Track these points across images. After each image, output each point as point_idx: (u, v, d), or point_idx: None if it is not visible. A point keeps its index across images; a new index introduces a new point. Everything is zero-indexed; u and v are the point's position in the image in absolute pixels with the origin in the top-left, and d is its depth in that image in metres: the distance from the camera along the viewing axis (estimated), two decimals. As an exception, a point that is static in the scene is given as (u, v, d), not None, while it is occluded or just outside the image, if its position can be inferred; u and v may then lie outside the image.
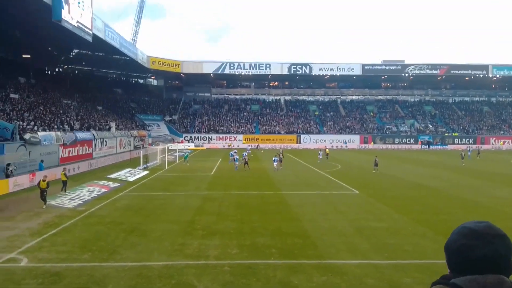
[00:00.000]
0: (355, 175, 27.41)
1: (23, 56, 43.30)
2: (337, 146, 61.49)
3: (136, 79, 73.32)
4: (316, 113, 72.67)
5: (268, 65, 68.40)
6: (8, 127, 24.16)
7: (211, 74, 68.75)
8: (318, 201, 17.84)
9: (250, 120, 69.07)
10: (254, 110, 72.96)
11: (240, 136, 63.54)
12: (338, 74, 70.34)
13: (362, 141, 64.11)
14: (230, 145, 59.06)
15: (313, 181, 24.49)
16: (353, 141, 63.82)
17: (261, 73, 69.08)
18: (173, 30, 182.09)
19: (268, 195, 19.33)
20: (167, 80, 75.34)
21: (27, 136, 24.87)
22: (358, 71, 69.66)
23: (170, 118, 67.02)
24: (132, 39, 62.50)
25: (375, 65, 70.80)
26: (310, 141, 62.78)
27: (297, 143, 63.20)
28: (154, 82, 76.89)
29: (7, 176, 20.57)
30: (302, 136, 64.28)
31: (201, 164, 35.27)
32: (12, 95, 33.86)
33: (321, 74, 70.27)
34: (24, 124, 27.85)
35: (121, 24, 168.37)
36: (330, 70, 69.41)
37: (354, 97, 78.42)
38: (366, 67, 69.71)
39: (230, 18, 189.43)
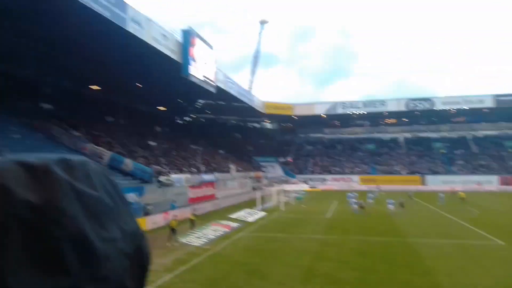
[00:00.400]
0: (498, 223, 23.43)
1: (159, 108, 50.15)
2: (470, 188, 54.12)
3: (252, 124, 77.88)
4: (442, 151, 65.97)
5: (382, 103, 65.65)
6: (147, 170, 27.77)
7: (323, 115, 68.93)
8: (454, 252, 15.61)
9: (366, 160, 66.18)
10: (369, 150, 69.93)
11: (355, 177, 61.09)
12: (465, 108, 63.32)
13: (502, 182, 55.27)
14: (351, 187, 56.66)
15: (446, 229, 21.71)
16: (490, 182, 55.48)
17: (375, 110, 66.52)
18: (285, 75, 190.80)
19: (393, 243, 17.72)
20: (280, 122, 78.08)
21: (162, 178, 28.08)
22: (489, 103, 61.58)
23: (284, 160, 68.51)
24: (249, 87, 67.21)
25: (510, 95, 61.83)
26: (437, 182, 56.68)
27: (421, 184, 57.73)
28: (268, 125, 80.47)
29: (146, 215, 23.26)
30: (427, 177, 58.59)
31: (317, 206, 34.62)
32: (150, 143, 39.10)
33: (445, 109, 64.21)
34: (160, 167, 31.54)
35: (239, 75, 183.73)
36: (456, 104, 62.92)
37: (487, 132, 69.17)
38: (499, 98, 61.25)
39: (339, 59, 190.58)
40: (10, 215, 0.43)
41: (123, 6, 23.06)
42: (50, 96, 33.45)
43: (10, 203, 0.44)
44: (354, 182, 59.64)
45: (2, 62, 27.66)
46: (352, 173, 62.51)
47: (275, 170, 64.17)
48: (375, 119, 73.79)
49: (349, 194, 34.31)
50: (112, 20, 21.98)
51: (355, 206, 29.32)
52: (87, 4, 19.63)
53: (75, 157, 0.52)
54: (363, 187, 54.45)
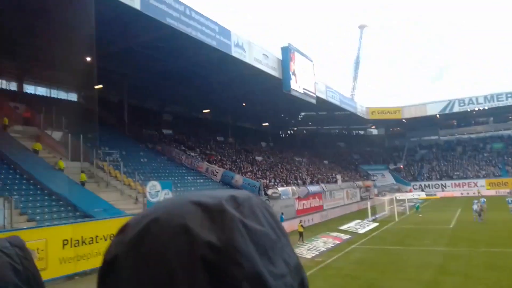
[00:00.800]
0: None
1: (263, 124, 52.21)
2: None
3: (356, 131, 75.46)
4: None
5: (509, 95, 57.36)
6: (256, 184, 29.05)
7: (437, 115, 63.13)
8: None
9: (493, 162, 58.30)
10: (496, 149, 61.49)
11: (481, 181, 54.17)
12: None
13: None
14: (479, 192, 50.14)
15: None
16: None
17: (500, 105, 58.33)
18: (390, 76, 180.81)
19: (534, 256, 15.30)
20: (388, 128, 73.98)
21: (269, 192, 29.05)
22: None
23: (395, 167, 64.51)
24: (351, 94, 65.61)
25: None
26: None
27: None
28: (374, 131, 76.96)
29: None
30: None
31: (437, 215, 31.71)
32: (257, 158, 40.82)
33: None
34: (267, 181, 32.66)
35: (340, 82, 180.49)
36: None
37: None
38: None
39: (449, 53, 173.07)
40: (195, 256, 0.45)
41: (227, 34, 25.01)
42: (170, 123, 37.73)
43: (194, 244, 0.46)
44: (480, 187, 52.97)
45: (132, 98, 32.36)
46: (477, 176, 55.66)
47: (386, 178, 60.78)
48: (501, 114, 64.69)
49: (475, 200, 30.48)
50: (219, 48, 24.02)
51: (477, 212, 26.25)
52: (196, 37, 21.87)
53: (240, 193, 0.56)
54: (491, 192, 48.12)
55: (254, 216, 0.52)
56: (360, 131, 75.95)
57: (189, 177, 27.97)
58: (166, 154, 30.39)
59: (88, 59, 22.82)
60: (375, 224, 27.89)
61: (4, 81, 27.04)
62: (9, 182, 16.45)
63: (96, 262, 14.47)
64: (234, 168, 32.73)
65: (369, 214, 31.15)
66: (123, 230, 0.51)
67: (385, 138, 74.46)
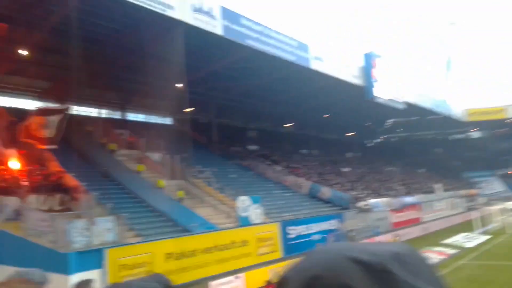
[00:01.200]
0: None
1: (347, 134, 50.76)
2: None
3: (454, 136, 69.06)
4: None
5: None
6: (344, 197, 28.17)
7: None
8: None
9: None
10: None
11: None
12: None
13: None
14: None
15: None
16: None
17: None
18: (490, 75, 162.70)
19: None
20: (491, 130, 66.31)
21: (360, 204, 27.89)
22: None
23: (503, 172, 57.32)
24: (445, 96, 60.48)
25: None
26: None
27: None
28: (474, 135, 69.60)
29: (351, 240, 23.40)
30: None
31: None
32: (343, 169, 39.64)
33: None
34: (357, 193, 31.42)
35: (432, 84, 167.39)
36: None
37: None
38: None
39: None
40: None
41: (305, 47, 25.16)
42: (254, 139, 38.84)
43: None
44: None
45: (219, 117, 34.16)
46: None
47: (493, 185, 54.37)
48: None
49: None
50: (298, 63, 24.27)
51: None
52: (276, 55, 22.41)
53: (399, 248, 0.52)
54: None
55: (418, 274, 0.48)
56: (458, 135, 69.36)
57: (276, 191, 28.25)
58: (253, 169, 31.19)
59: (179, 85, 24.73)
60: (485, 237, 24.94)
61: (110, 111, 30.65)
62: (119, 201, 18.39)
63: (196, 274, 15.31)
64: (320, 181, 32.21)
65: (477, 225, 27.97)
66: (283, 284, 0.48)
67: (489, 141, 66.76)
